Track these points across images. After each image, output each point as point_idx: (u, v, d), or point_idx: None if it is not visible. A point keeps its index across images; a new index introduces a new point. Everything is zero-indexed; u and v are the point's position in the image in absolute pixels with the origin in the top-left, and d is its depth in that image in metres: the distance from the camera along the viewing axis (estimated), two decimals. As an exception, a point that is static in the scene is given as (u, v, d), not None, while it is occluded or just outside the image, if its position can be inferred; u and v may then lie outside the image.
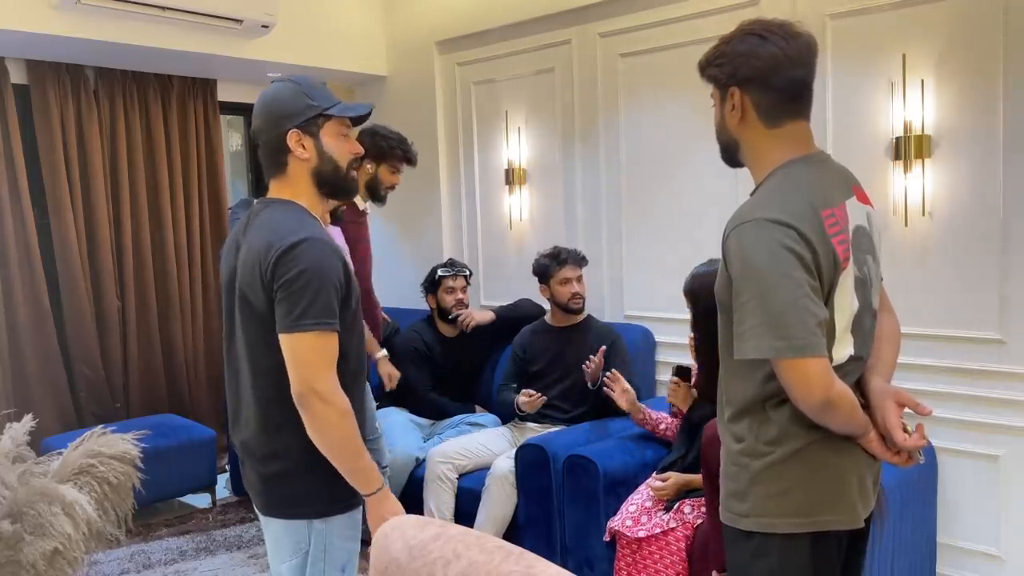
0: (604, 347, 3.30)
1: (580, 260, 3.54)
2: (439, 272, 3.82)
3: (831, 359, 1.51)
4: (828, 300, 1.50)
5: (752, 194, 1.61)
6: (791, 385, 1.47)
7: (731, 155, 1.68)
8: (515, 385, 3.57)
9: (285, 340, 1.67)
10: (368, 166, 3.34)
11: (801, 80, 1.55)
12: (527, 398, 3.35)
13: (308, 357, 1.67)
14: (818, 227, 1.48)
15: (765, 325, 1.44)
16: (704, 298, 2.49)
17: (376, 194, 3.40)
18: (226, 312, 1.84)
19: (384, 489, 1.78)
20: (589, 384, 3.28)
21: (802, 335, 1.43)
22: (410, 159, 3.47)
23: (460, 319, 3.78)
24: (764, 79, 1.53)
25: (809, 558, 1.57)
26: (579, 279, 3.51)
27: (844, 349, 1.56)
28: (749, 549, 1.60)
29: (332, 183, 1.83)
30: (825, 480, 1.56)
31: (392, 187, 3.46)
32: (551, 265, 3.49)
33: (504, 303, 4.04)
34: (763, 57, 1.52)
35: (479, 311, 3.87)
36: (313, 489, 1.76)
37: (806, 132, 1.59)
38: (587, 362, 3.25)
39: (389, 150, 3.38)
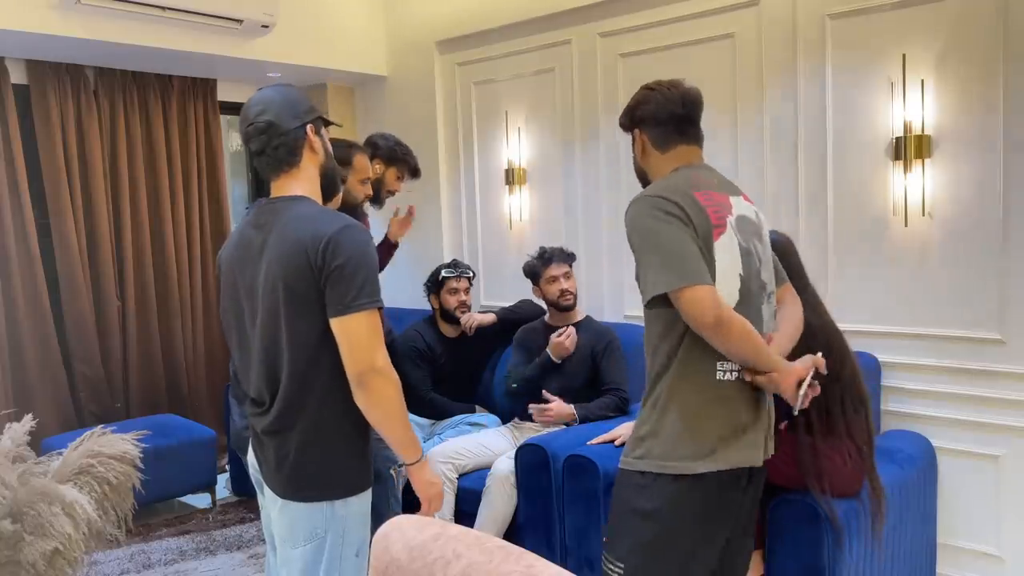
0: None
1: (566, 257, 3.54)
2: (443, 273, 3.82)
3: None
4: (708, 255, 1.85)
5: None
6: (686, 311, 1.80)
7: (645, 183, 2.09)
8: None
9: (339, 322, 1.75)
10: (377, 166, 3.38)
11: (681, 116, 2.00)
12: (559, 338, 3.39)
13: (364, 335, 1.76)
14: (689, 198, 1.87)
15: (659, 267, 1.82)
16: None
17: (377, 196, 3.42)
18: (247, 309, 1.87)
19: (425, 457, 1.91)
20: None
21: (690, 268, 1.79)
22: (416, 171, 3.59)
23: (462, 321, 3.79)
24: (651, 118, 2.02)
25: (692, 494, 1.87)
26: (567, 276, 3.50)
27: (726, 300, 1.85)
28: (640, 485, 1.91)
29: (331, 181, 1.95)
30: (714, 429, 1.88)
31: (392, 193, 3.55)
32: (537, 265, 3.53)
33: (504, 303, 4.04)
34: (650, 103, 2.02)
35: (481, 313, 3.88)
36: (334, 471, 1.83)
37: (694, 152, 2.03)
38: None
39: (402, 156, 3.51)
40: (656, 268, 1.83)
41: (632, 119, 2.06)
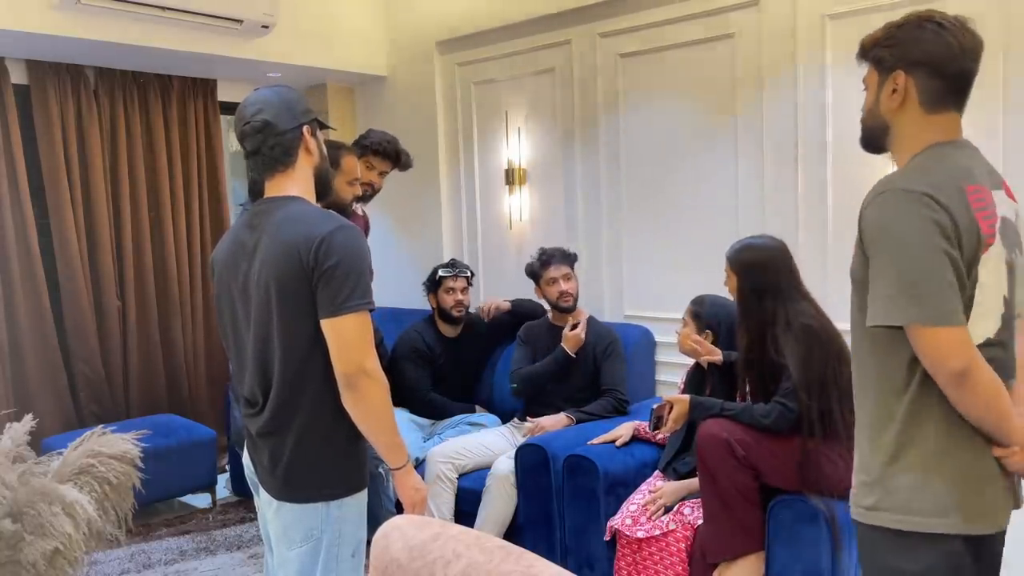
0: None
1: (566, 258, 3.54)
2: (440, 272, 3.82)
3: None
4: (969, 273, 1.46)
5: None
6: (925, 354, 1.44)
7: (876, 140, 1.64)
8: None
9: (330, 324, 1.74)
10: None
11: (969, 74, 1.54)
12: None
13: (354, 337, 1.74)
14: (959, 199, 1.45)
15: (900, 292, 1.43)
16: (754, 273, 2.48)
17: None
18: (241, 310, 1.87)
19: (410, 463, 1.90)
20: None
21: (938, 303, 1.41)
22: (384, 153, 3.46)
23: (482, 307, 3.84)
24: (936, 66, 1.52)
25: (945, 562, 1.47)
26: (566, 277, 3.50)
27: (981, 329, 1.48)
28: (884, 547, 1.52)
29: (325, 184, 1.95)
30: (967, 477, 1.48)
31: (370, 184, 3.45)
32: (537, 266, 3.54)
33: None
34: (940, 44, 1.51)
35: (496, 299, 3.91)
36: (329, 471, 1.83)
37: (958, 123, 1.58)
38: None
39: (368, 145, 3.43)
40: (892, 292, 1.44)
41: (901, 56, 1.54)
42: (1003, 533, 1.57)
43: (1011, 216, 1.57)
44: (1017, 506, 1.58)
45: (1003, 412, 1.46)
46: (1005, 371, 1.51)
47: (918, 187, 1.44)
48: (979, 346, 1.46)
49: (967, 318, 1.45)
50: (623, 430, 3.05)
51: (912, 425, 1.49)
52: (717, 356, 2.74)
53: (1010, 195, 1.60)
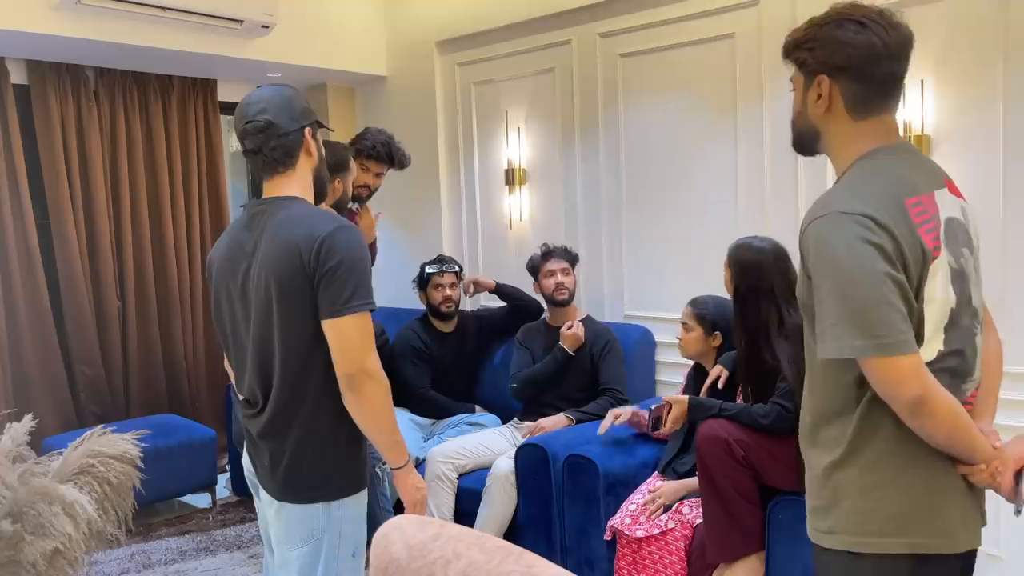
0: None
1: (567, 255, 3.60)
2: (427, 269, 3.83)
3: None
4: (918, 293, 1.39)
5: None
6: (878, 384, 1.37)
7: (807, 144, 1.58)
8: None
9: (331, 324, 1.74)
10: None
11: (896, 74, 1.46)
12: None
13: (355, 337, 1.74)
14: (901, 215, 1.38)
15: (847, 322, 1.35)
16: (749, 274, 2.48)
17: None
18: (240, 311, 1.87)
19: (411, 462, 1.90)
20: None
21: (886, 331, 1.33)
22: (377, 156, 3.43)
23: (463, 285, 3.87)
24: (859, 69, 1.43)
25: None
26: (564, 271, 3.55)
27: (933, 345, 1.42)
28: (838, 569, 1.48)
29: (322, 186, 1.96)
30: (920, 496, 1.43)
31: (365, 186, 3.45)
32: (537, 259, 3.60)
33: (503, 304, 4.03)
34: (861, 46, 1.42)
35: (477, 275, 3.96)
36: (330, 472, 1.83)
37: (892, 125, 1.51)
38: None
39: (363, 147, 3.40)
40: (842, 323, 1.36)
41: (823, 60, 1.47)
42: (973, 553, 1.53)
43: (958, 215, 1.48)
44: (983, 523, 1.54)
45: (966, 432, 1.41)
46: (963, 374, 1.47)
47: (856, 208, 1.36)
48: (933, 361, 1.41)
49: (920, 339, 1.39)
50: (620, 409, 3.04)
51: (863, 446, 1.44)
52: (724, 373, 2.74)
53: (955, 192, 1.51)
